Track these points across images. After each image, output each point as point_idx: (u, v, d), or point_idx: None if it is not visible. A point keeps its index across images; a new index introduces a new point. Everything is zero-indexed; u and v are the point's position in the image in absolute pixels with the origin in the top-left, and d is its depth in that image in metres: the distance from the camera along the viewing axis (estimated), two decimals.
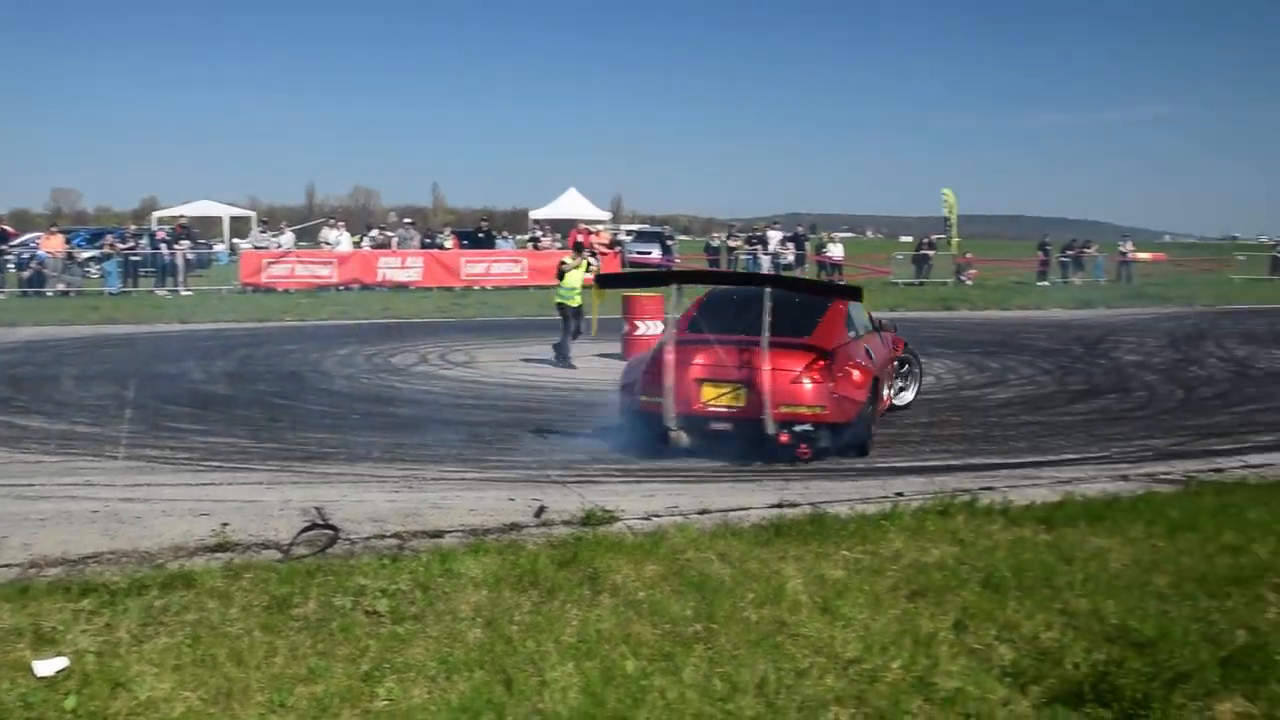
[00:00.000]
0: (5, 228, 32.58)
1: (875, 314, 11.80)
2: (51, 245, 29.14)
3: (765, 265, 35.54)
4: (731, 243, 37.27)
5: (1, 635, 4.67)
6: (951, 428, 10.80)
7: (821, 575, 5.62)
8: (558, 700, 4.07)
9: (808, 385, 8.84)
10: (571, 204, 49.99)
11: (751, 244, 36.32)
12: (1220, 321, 24.78)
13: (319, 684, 4.20)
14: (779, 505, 7.41)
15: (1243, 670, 4.30)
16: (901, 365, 11.69)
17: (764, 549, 6.09)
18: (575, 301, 15.72)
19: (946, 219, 45.17)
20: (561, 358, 15.45)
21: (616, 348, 16.18)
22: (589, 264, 16.42)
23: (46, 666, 4.30)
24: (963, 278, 37.73)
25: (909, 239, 70.81)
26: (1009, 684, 4.27)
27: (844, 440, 9.05)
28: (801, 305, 9.74)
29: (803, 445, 8.76)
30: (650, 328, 15.63)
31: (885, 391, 10.52)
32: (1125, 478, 8.57)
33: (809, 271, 36.68)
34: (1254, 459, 9.36)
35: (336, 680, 4.23)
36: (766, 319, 8.85)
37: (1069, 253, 40.74)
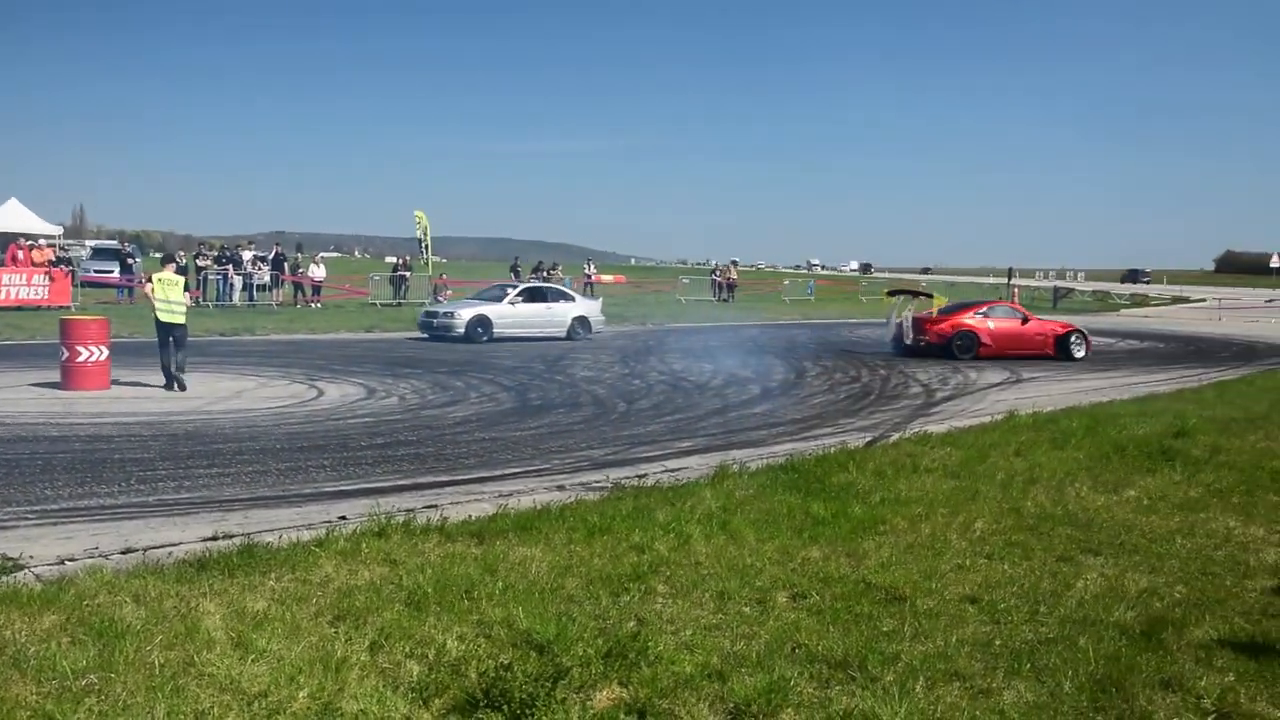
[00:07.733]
0: None
1: None
2: None
3: None
4: None
5: None
6: (406, 448, 10.94)
7: (243, 608, 5.43)
8: None
9: None
10: None
11: None
12: (666, 339, 27.42)
13: None
14: (213, 538, 7.06)
15: (621, 660, 4.74)
16: None
17: (185, 586, 5.77)
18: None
19: (421, 240, 45.19)
20: None
21: (54, 376, 14.65)
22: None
23: None
24: (439, 297, 38.50)
25: (393, 259, 70.87)
26: (413, 700, 4.39)
27: None
28: None
29: None
30: (96, 353, 14.33)
31: None
32: (561, 488, 9.16)
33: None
34: (673, 464, 10.43)
35: None
36: None
37: (536, 275, 43.07)
